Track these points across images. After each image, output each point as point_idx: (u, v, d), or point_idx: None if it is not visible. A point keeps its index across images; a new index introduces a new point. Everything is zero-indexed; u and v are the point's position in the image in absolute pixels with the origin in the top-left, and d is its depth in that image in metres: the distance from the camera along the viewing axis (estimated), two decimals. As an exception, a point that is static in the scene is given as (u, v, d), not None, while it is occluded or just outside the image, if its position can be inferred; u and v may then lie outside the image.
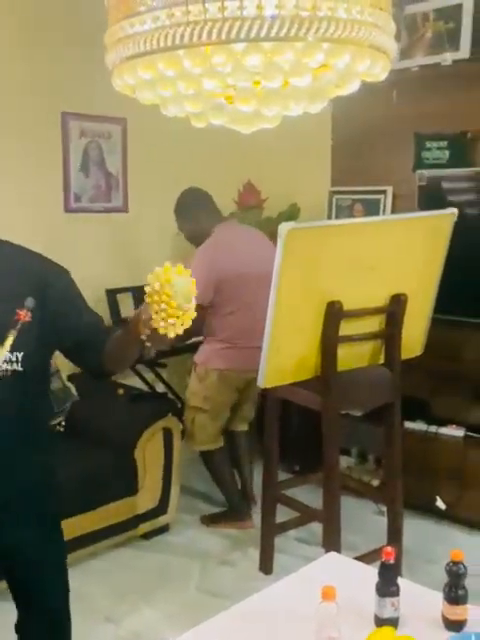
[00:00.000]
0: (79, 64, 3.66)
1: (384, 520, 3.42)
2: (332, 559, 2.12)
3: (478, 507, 3.30)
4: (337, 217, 3.99)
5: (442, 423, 3.53)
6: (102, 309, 3.87)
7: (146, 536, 3.28)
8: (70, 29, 3.61)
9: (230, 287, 3.19)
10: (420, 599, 1.80)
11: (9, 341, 1.64)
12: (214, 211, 3.42)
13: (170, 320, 1.37)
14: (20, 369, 1.65)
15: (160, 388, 4.08)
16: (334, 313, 2.46)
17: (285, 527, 3.08)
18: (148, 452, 3.22)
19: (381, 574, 1.70)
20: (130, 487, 3.16)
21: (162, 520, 3.32)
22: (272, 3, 1.19)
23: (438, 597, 1.78)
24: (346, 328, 2.55)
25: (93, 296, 4.07)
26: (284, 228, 2.26)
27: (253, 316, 3.17)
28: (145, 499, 3.22)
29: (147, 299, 1.39)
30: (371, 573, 2.01)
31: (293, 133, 3.90)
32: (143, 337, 1.46)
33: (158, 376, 3.92)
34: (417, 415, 3.53)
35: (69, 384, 3.40)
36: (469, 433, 3.48)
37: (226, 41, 1.20)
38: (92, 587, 2.90)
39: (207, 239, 3.28)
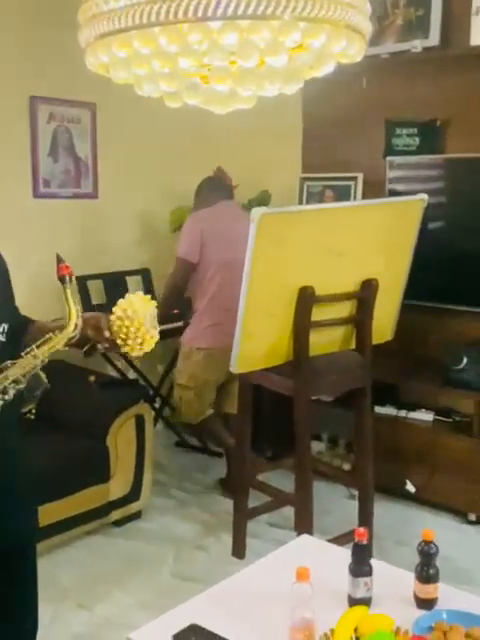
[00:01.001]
0: (48, 48, 3.61)
1: (355, 504, 3.45)
2: (305, 541, 2.14)
3: (447, 490, 3.35)
4: (308, 203, 4.00)
5: (411, 408, 3.58)
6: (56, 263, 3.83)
7: (118, 523, 3.27)
8: (39, 11, 3.55)
9: (211, 246, 3.29)
10: (392, 579, 1.83)
11: None
12: (223, 193, 3.53)
13: (137, 340, 1.57)
14: (3, 340, 1.66)
15: (131, 375, 4.07)
16: (306, 298, 2.48)
17: (258, 512, 3.09)
18: (120, 439, 3.21)
19: (354, 554, 1.72)
20: (102, 474, 3.14)
21: (134, 507, 3.31)
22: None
23: (409, 577, 1.82)
24: (318, 313, 2.56)
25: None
26: (257, 213, 2.26)
27: (235, 292, 3.21)
28: (117, 486, 3.21)
29: (115, 326, 1.58)
30: (343, 554, 2.03)
31: (264, 120, 3.90)
32: (100, 348, 1.67)
33: (129, 363, 3.90)
34: (386, 400, 3.57)
35: (40, 371, 3.36)
36: (438, 417, 3.53)
37: (202, 19, 1.19)
38: (64, 574, 2.89)
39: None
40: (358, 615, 1.55)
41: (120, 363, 3.97)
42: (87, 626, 2.57)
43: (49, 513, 2.92)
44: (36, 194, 3.72)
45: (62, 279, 1.56)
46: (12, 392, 1.54)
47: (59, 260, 1.57)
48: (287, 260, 2.43)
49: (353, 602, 1.70)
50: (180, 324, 3.67)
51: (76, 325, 1.56)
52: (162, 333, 3.58)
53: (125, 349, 1.62)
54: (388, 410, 3.58)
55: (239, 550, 3.01)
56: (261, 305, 2.45)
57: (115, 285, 3.94)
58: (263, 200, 4.17)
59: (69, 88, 3.76)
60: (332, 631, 1.52)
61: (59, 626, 2.56)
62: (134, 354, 1.63)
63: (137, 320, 1.57)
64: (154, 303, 1.61)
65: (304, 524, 2.61)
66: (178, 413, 3.58)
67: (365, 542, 1.72)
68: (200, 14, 1.18)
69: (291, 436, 3.40)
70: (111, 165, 4.03)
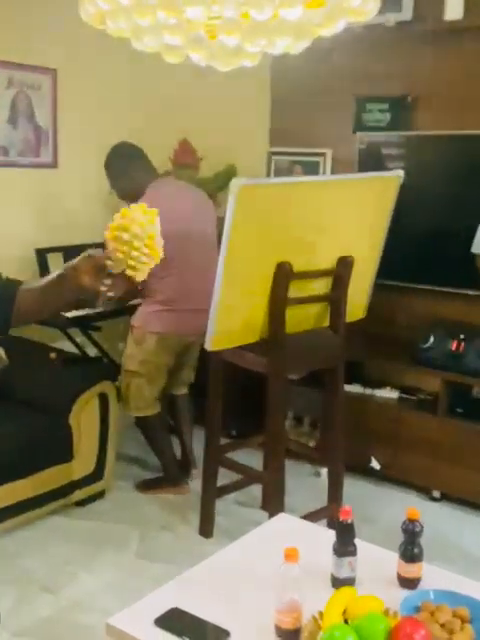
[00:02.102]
0: (8, 10, 3.43)
1: (320, 481, 3.47)
2: (283, 520, 2.11)
3: (411, 467, 3.38)
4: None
5: (377, 385, 3.59)
6: (31, 270, 3.70)
7: (81, 503, 3.19)
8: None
9: (169, 246, 3.07)
10: (373, 558, 1.81)
11: None
12: (148, 166, 3.27)
13: (143, 258, 1.30)
14: None
15: (91, 352, 3.96)
16: (284, 274, 2.42)
17: (226, 490, 3.05)
18: (83, 418, 3.12)
19: (338, 534, 1.69)
20: (65, 453, 3.05)
21: (98, 486, 3.24)
22: None
23: (389, 555, 1.80)
24: (293, 290, 2.51)
25: (21, 256, 3.90)
26: (237, 184, 2.19)
27: (192, 277, 3.10)
28: (80, 465, 3.12)
29: (112, 242, 1.31)
30: (322, 533, 2.01)
31: (232, 91, 3.83)
32: (103, 287, 1.36)
33: (91, 339, 3.79)
34: (353, 378, 3.56)
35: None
36: (403, 395, 3.54)
37: None
38: (27, 557, 2.81)
39: (142, 196, 3.13)
40: (347, 596, 1.52)
41: (80, 339, 3.86)
42: (54, 609, 2.50)
43: (11, 493, 2.84)
44: (-6, 162, 3.57)
45: None
46: None
47: None
48: (265, 234, 2.36)
49: (337, 583, 1.67)
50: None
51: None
52: (123, 310, 3.50)
53: (137, 274, 1.35)
54: (354, 388, 3.57)
55: (206, 529, 2.97)
56: (238, 280, 2.38)
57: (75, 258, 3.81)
58: (229, 174, 4.07)
59: (29, 53, 3.60)
60: (320, 613, 1.48)
61: (24, 610, 2.48)
62: (140, 276, 1.35)
63: (138, 227, 1.30)
64: (155, 211, 1.37)
65: (276, 503, 2.58)
66: (126, 403, 3.34)
67: (350, 521, 1.69)
68: None
69: (257, 414, 3.37)
70: (72, 134, 3.89)
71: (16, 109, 3.65)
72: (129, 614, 1.61)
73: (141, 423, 3.42)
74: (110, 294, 1.37)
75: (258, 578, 1.71)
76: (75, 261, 1.39)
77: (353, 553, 1.68)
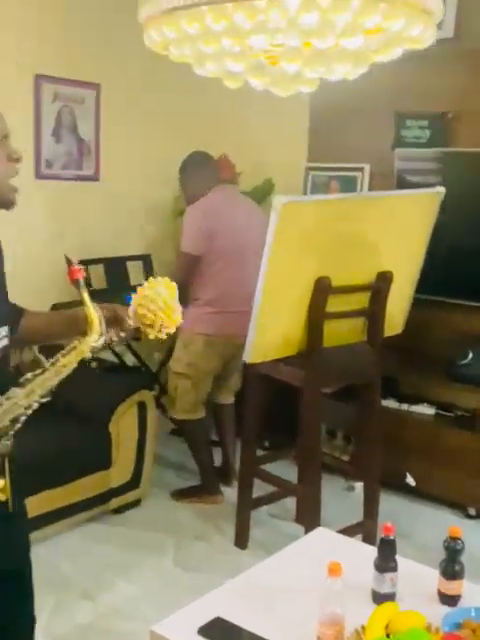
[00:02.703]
0: (55, 26, 3.53)
1: (353, 495, 3.47)
2: (322, 534, 2.12)
3: (447, 484, 3.36)
4: (313, 194, 3.96)
5: (413, 401, 3.58)
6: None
7: (118, 510, 3.24)
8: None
9: (220, 240, 3.21)
10: (412, 574, 1.82)
11: None
12: (214, 174, 3.42)
13: (161, 323, 1.46)
14: (7, 343, 1.50)
15: (129, 361, 4.02)
16: (322, 289, 2.45)
17: (261, 502, 3.08)
18: (122, 426, 3.17)
19: (380, 549, 1.71)
20: (104, 461, 3.11)
21: (134, 494, 3.28)
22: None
23: (428, 571, 1.81)
24: (332, 304, 2.54)
25: (63, 267, 3.97)
26: (279, 201, 2.23)
27: (240, 279, 3.18)
28: (118, 473, 3.17)
29: (139, 310, 1.46)
30: (360, 548, 2.03)
31: (270, 107, 3.86)
32: (115, 338, 1.51)
33: (130, 349, 3.85)
34: (388, 393, 3.56)
35: (40, 356, 3.31)
36: (440, 411, 3.53)
37: None
38: (66, 563, 2.86)
39: (204, 198, 3.29)
40: (389, 612, 1.53)
41: (119, 348, 3.92)
42: (93, 616, 2.54)
43: (50, 499, 2.89)
44: (38, 175, 3.65)
45: (76, 283, 1.41)
46: (36, 406, 1.38)
47: (69, 262, 1.41)
48: (305, 249, 2.40)
49: (378, 598, 1.69)
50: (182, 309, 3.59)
51: (100, 333, 1.42)
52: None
53: (150, 335, 1.52)
54: (389, 403, 3.57)
55: (241, 540, 2.99)
56: (277, 295, 2.42)
57: (116, 270, 3.88)
58: (267, 189, 4.14)
59: (74, 68, 3.68)
60: (363, 628, 1.50)
61: (63, 616, 2.52)
62: (154, 337, 1.53)
63: (161, 301, 1.48)
64: (175, 286, 1.53)
65: (312, 517, 2.60)
66: (171, 405, 3.44)
67: (392, 537, 1.71)
68: None
69: (291, 426, 3.39)
70: (114, 147, 3.96)
71: (60, 123, 3.73)
72: (172, 622, 1.64)
73: (184, 426, 3.47)
74: (118, 338, 1.53)
75: (299, 591, 1.73)
76: (102, 308, 1.48)
77: (394, 569, 1.69)
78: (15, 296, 1.63)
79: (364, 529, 2.83)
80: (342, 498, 3.47)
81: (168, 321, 1.49)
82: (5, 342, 1.48)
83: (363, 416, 2.89)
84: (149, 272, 4.05)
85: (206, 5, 1.22)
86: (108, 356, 3.77)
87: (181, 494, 3.47)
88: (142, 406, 3.26)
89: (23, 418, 1.36)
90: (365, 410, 2.87)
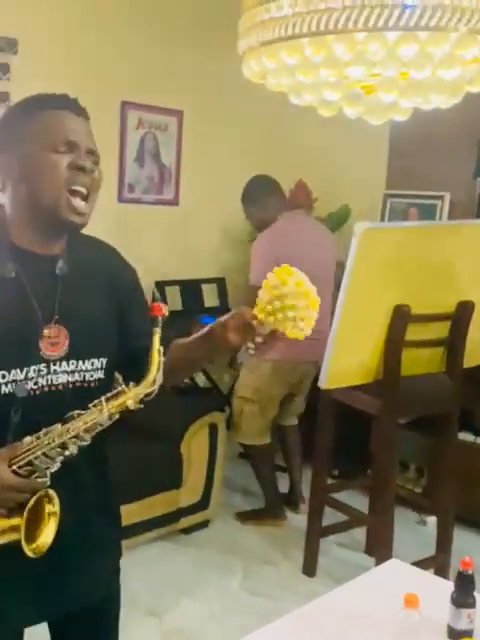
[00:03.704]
0: (141, 54, 3.66)
1: (425, 529, 3.39)
2: (394, 566, 2.08)
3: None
4: (391, 221, 3.94)
5: (487, 435, 3.48)
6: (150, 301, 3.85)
7: (186, 530, 3.26)
8: (134, 18, 3.61)
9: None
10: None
11: None
12: (282, 200, 3.41)
13: (300, 324, 1.24)
14: (102, 377, 1.37)
15: (199, 381, 4.06)
16: (401, 316, 2.43)
17: (330, 531, 3.04)
18: (193, 446, 3.20)
19: (458, 584, 1.66)
20: (175, 481, 3.14)
21: (203, 515, 3.30)
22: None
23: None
24: (411, 333, 2.51)
25: (143, 288, 4.07)
26: (360, 227, 2.23)
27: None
28: (188, 493, 3.20)
29: (274, 302, 1.25)
30: (435, 582, 1.98)
31: (349, 133, 3.88)
32: (251, 345, 1.33)
33: (202, 370, 3.89)
34: (463, 425, 3.47)
35: (117, 374, 3.38)
36: (518, 447, 3.42)
37: (380, 29, 1.17)
38: (134, 579, 2.87)
39: (273, 224, 3.26)
40: (467, 649, 1.49)
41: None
42: (158, 633, 2.55)
43: (122, 516, 2.93)
44: (121, 199, 3.77)
45: (155, 320, 1.26)
46: (74, 448, 1.24)
47: (154, 298, 1.30)
48: (385, 276, 2.38)
49: (454, 634, 1.64)
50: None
51: (155, 380, 1.23)
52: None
53: (291, 334, 1.28)
54: (465, 436, 3.48)
55: (310, 568, 2.96)
56: (355, 321, 2.41)
57: (191, 292, 3.95)
58: (343, 215, 4.14)
59: (159, 95, 3.80)
60: (440, 664, 1.46)
61: (130, 632, 2.53)
62: (295, 335, 1.27)
63: (297, 290, 1.25)
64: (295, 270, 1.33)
65: (384, 549, 2.55)
66: (237, 430, 3.41)
67: (471, 572, 1.66)
68: (380, 24, 1.16)
69: (360, 455, 3.34)
70: (193, 172, 4.06)
71: (143, 148, 3.85)
72: (242, 646, 1.63)
73: (249, 452, 3.47)
74: (251, 352, 1.37)
75: (371, 622, 1.69)
76: (224, 318, 1.34)
77: (472, 605, 1.64)
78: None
79: (436, 564, 2.76)
80: (413, 531, 3.39)
81: (305, 311, 1.26)
82: (99, 374, 1.37)
83: (438, 448, 2.83)
84: (223, 296, 4.10)
85: (307, 37, 1.25)
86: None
87: (246, 516, 3.47)
88: (213, 427, 3.28)
89: (60, 458, 1.24)
90: (441, 442, 2.81)
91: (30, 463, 1.22)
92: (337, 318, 2.38)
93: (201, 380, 4.07)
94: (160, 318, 1.27)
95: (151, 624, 2.62)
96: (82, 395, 1.31)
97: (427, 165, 3.82)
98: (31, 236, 1.30)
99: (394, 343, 2.46)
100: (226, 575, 2.96)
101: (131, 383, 1.24)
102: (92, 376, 1.36)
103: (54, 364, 1.31)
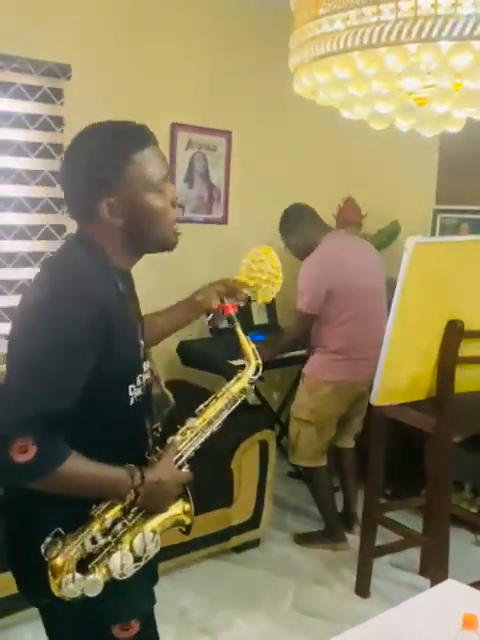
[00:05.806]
0: (190, 75, 3.73)
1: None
2: (451, 587, 2.03)
3: None
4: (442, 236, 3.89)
5: None
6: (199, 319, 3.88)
7: (237, 549, 3.25)
8: (184, 41, 3.68)
9: (340, 296, 3.14)
10: None
11: None
12: (320, 224, 3.39)
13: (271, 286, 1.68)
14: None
15: (249, 399, 4.06)
16: (455, 332, 2.39)
17: (384, 551, 2.99)
18: (244, 464, 3.19)
19: (518, 608, 1.61)
20: (225, 498, 3.13)
21: (254, 534, 3.28)
22: (470, 1, 1.16)
23: None
24: (464, 349, 2.46)
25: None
26: (411, 242, 2.21)
27: (365, 327, 3.14)
28: (239, 512, 3.19)
29: (252, 266, 1.68)
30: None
31: (398, 149, 3.86)
32: (242, 303, 1.68)
33: (254, 389, 3.89)
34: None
35: (167, 391, 3.41)
36: None
37: (433, 39, 1.17)
38: (186, 597, 2.89)
39: (317, 249, 3.24)
40: None
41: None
42: (211, 652, 2.54)
43: (173, 534, 2.93)
44: (171, 218, 3.81)
45: (230, 319, 1.59)
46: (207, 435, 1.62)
47: (222, 300, 1.62)
48: (437, 291, 2.36)
49: (515, 657, 1.59)
50: (303, 352, 3.59)
51: (257, 366, 1.56)
52: (281, 361, 3.57)
53: (259, 297, 1.73)
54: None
55: (363, 588, 2.91)
56: (407, 337, 2.38)
57: (241, 311, 3.95)
58: (393, 231, 4.12)
59: (207, 117, 3.85)
60: None
61: (183, 649, 2.54)
62: (266, 299, 1.73)
63: (269, 262, 1.69)
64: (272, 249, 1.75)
65: (439, 570, 2.49)
66: (294, 452, 3.38)
67: None
68: (434, 35, 1.16)
69: (415, 474, 3.28)
70: (242, 192, 4.09)
71: (193, 169, 3.90)
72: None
73: (307, 473, 3.43)
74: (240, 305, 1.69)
75: (428, 643, 1.65)
76: (208, 286, 1.68)
77: None
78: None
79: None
80: (469, 552, 3.31)
81: (275, 278, 1.68)
82: (147, 376, 1.53)
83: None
84: (272, 312, 4.10)
85: (359, 50, 1.26)
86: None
87: (305, 539, 3.42)
88: (263, 445, 3.27)
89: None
90: (497, 460, 2.74)
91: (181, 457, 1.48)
92: (388, 333, 2.36)
93: (251, 398, 4.06)
94: (234, 315, 1.59)
95: (203, 642, 2.61)
96: (149, 390, 1.51)
97: (478, 180, 3.76)
98: (125, 258, 1.45)
99: (447, 359, 2.42)
100: (278, 595, 2.94)
101: (239, 371, 1.57)
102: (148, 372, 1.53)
103: (143, 365, 1.49)
